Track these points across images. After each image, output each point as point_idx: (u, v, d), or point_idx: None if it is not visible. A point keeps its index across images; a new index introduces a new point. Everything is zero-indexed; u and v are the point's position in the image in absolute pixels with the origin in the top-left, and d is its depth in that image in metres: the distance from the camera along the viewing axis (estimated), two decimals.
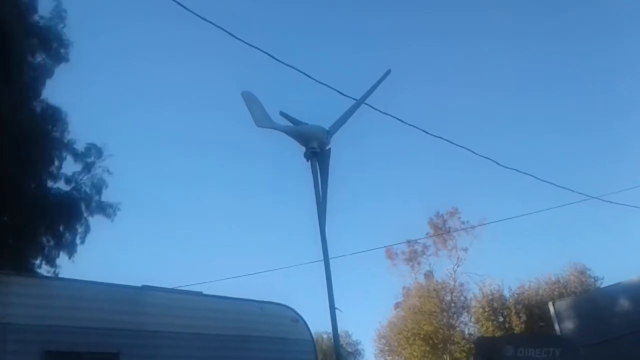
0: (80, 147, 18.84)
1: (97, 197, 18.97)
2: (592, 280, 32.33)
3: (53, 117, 18.06)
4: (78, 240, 18.37)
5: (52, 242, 17.77)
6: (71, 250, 18.12)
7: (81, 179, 18.80)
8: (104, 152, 19.27)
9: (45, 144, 17.35)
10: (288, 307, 11.00)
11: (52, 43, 18.19)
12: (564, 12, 54.86)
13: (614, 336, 13.86)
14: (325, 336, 38.33)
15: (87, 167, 18.88)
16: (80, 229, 18.44)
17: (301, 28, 62.50)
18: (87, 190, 18.84)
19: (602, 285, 30.15)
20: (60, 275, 17.27)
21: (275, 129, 11.58)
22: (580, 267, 33.05)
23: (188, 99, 59.89)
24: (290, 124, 11.81)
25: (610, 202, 15.22)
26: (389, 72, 11.73)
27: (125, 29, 51.87)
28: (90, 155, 18.95)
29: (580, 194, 14.62)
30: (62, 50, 18.46)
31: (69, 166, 18.77)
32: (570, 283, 32.24)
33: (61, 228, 17.99)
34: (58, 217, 17.81)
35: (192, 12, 7.16)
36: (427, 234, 35.08)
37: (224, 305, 10.24)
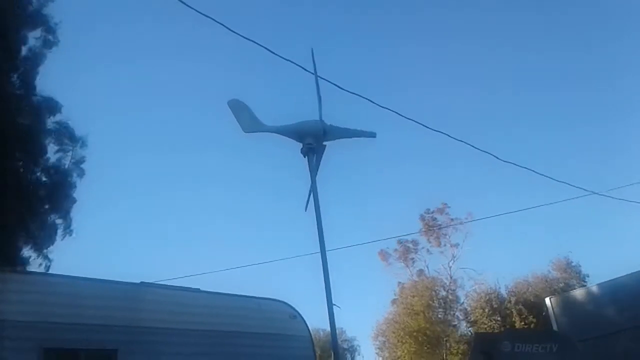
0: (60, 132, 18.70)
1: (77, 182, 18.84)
2: (578, 276, 32.29)
3: (45, 108, 18.01)
4: (70, 232, 18.32)
5: (42, 236, 17.68)
6: (61, 242, 18.07)
7: (66, 165, 18.69)
8: (79, 136, 19.09)
9: (34, 133, 17.30)
10: (286, 303, 10.98)
11: (41, 28, 18.07)
12: (562, 10, 55.02)
13: (611, 331, 13.90)
14: (321, 333, 38.30)
15: (66, 151, 18.75)
16: (69, 216, 18.38)
17: (301, 28, 62.43)
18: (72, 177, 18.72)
19: (590, 282, 30.21)
20: (53, 269, 17.25)
21: (265, 132, 11.55)
22: (565, 263, 33.03)
23: (186, 96, 59.77)
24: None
25: (611, 197, 15.21)
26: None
27: (120, 26, 51.67)
28: (68, 140, 18.81)
29: (580, 188, 14.63)
30: (51, 36, 18.36)
31: (55, 154, 18.72)
32: (556, 280, 32.21)
33: (49, 216, 17.93)
34: (46, 205, 17.76)
35: (191, 8, 7.12)
36: (419, 231, 35.06)
37: (222, 301, 10.22)
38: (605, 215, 45.39)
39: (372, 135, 11.96)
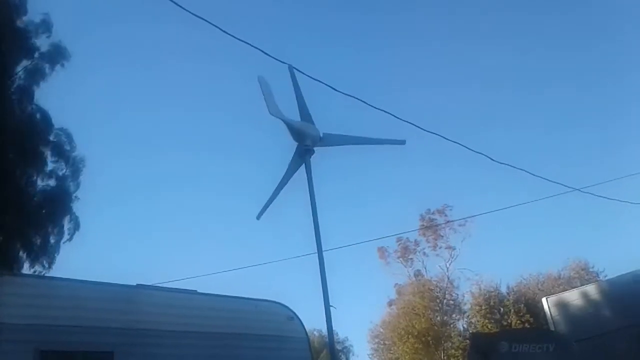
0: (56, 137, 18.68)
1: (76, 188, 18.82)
2: (594, 275, 32.18)
3: (42, 117, 18.06)
4: (66, 237, 18.31)
5: (39, 240, 17.67)
6: (57, 246, 18.06)
7: (64, 172, 18.68)
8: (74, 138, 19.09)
9: (33, 142, 17.32)
10: (283, 304, 10.98)
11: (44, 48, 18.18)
12: (558, 10, 55.22)
13: (607, 331, 13.91)
14: (316, 334, 38.31)
15: (66, 158, 18.73)
16: (68, 225, 18.36)
17: (302, 27, 62.55)
18: (70, 183, 18.70)
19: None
20: (52, 273, 17.22)
21: (284, 120, 11.55)
22: (583, 263, 33.02)
23: (183, 97, 59.76)
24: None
25: (592, 194, 15.21)
26: None
27: (115, 28, 51.61)
28: (64, 144, 18.79)
29: (573, 188, 14.67)
30: (57, 55, 18.45)
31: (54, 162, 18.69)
32: (572, 279, 32.18)
33: (49, 225, 17.92)
34: (46, 213, 17.75)
35: (187, 10, 7.11)
36: (418, 229, 34.86)
37: (219, 303, 10.21)
38: (606, 213, 45.49)
39: (402, 142, 12.14)
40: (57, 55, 18.45)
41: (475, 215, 28.81)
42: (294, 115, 11.76)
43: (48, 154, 18.49)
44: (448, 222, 34.06)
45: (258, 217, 12.10)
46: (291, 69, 11.39)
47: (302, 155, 11.61)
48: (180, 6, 6.97)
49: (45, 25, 18.54)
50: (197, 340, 9.26)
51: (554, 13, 55.66)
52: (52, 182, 18.51)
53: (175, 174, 58.36)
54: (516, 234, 49.00)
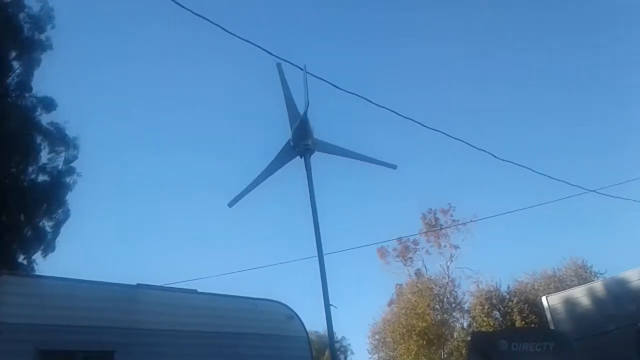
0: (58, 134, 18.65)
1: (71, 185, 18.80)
2: (592, 274, 32.04)
3: (43, 108, 18.06)
4: (62, 232, 18.30)
5: (32, 234, 17.65)
6: (53, 239, 18.03)
7: (59, 167, 18.66)
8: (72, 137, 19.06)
9: (30, 136, 17.33)
10: (282, 303, 10.99)
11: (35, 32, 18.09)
12: (560, 8, 55.16)
13: (607, 329, 13.92)
14: (314, 335, 38.27)
15: (63, 151, 18.74)
16: (61, 216, 18.32)
17: (302, 26, 62.53)
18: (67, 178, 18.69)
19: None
20: (49, 272, 17.20)
21: (300, 113, 11.56)
22: (580, 262, 32.93)
23: (185, 97, 59.78)
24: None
25: (607, 195, 15.22)
26: None
27: (117, 28, 51.62)
28: (62, 143, 18.77)
29: (576, 186, 14.63)
30: (44, 38, 18.39)
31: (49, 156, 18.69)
32: (568, 277, 32.12)
33: (44, 218, 17.91)
34: (42, 208, 17.73)
35: (190, 10, 7.09)
36: (419, 230, 34.85)
37: (219, 302, 10.22)
38: (606, 213, 45.48)
39: (393, 167, 12.18)
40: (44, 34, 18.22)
41: (481, 219, 28.74)
42: (282, 114, 11.73)
43: (45, 147, 18.47)
44: (454, 222, 34.05)
45: (230, 205, 11.95)
46: (279, 67, 11.37)
47: (302, 154, 11.61)
48: (180, 4, 6.95)
49: (46, 17, 18.48)
50: (198, 339, 9.26)
51: (557, 11, 55.60)
52: (48, 177, 18.46)
53: (176, 174, 58.47)
54: (515, 232, 48.95)
